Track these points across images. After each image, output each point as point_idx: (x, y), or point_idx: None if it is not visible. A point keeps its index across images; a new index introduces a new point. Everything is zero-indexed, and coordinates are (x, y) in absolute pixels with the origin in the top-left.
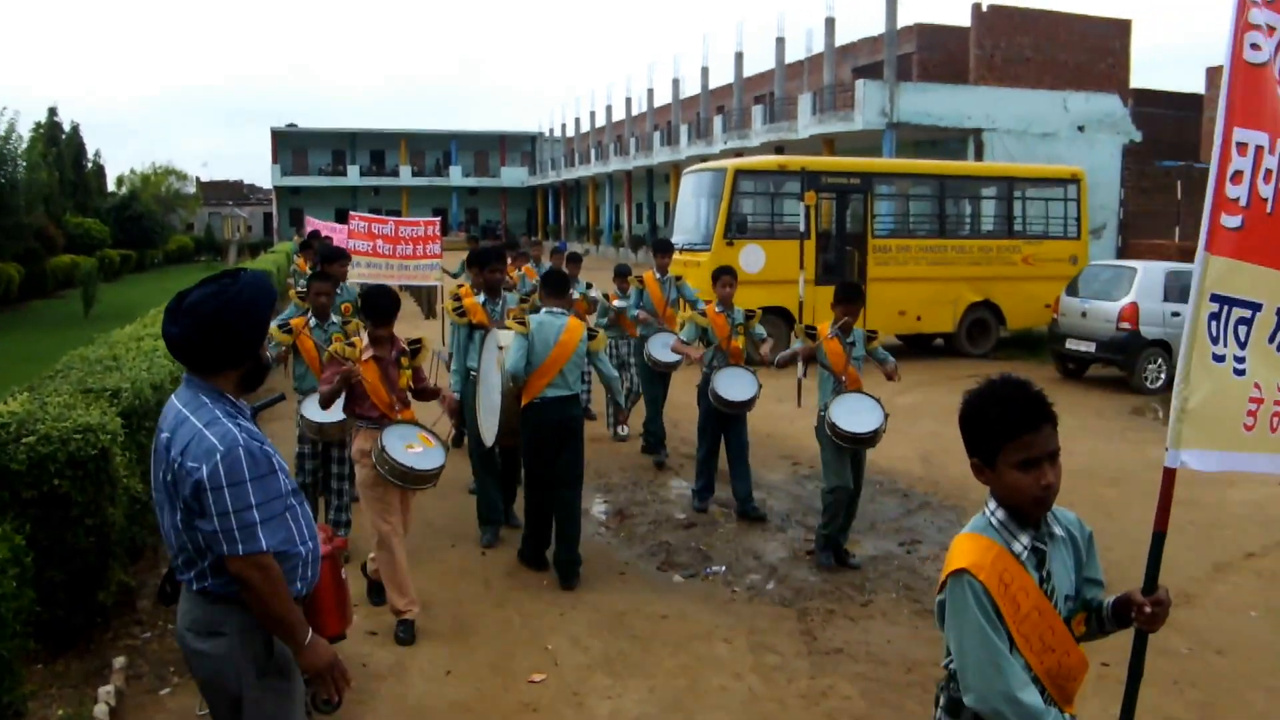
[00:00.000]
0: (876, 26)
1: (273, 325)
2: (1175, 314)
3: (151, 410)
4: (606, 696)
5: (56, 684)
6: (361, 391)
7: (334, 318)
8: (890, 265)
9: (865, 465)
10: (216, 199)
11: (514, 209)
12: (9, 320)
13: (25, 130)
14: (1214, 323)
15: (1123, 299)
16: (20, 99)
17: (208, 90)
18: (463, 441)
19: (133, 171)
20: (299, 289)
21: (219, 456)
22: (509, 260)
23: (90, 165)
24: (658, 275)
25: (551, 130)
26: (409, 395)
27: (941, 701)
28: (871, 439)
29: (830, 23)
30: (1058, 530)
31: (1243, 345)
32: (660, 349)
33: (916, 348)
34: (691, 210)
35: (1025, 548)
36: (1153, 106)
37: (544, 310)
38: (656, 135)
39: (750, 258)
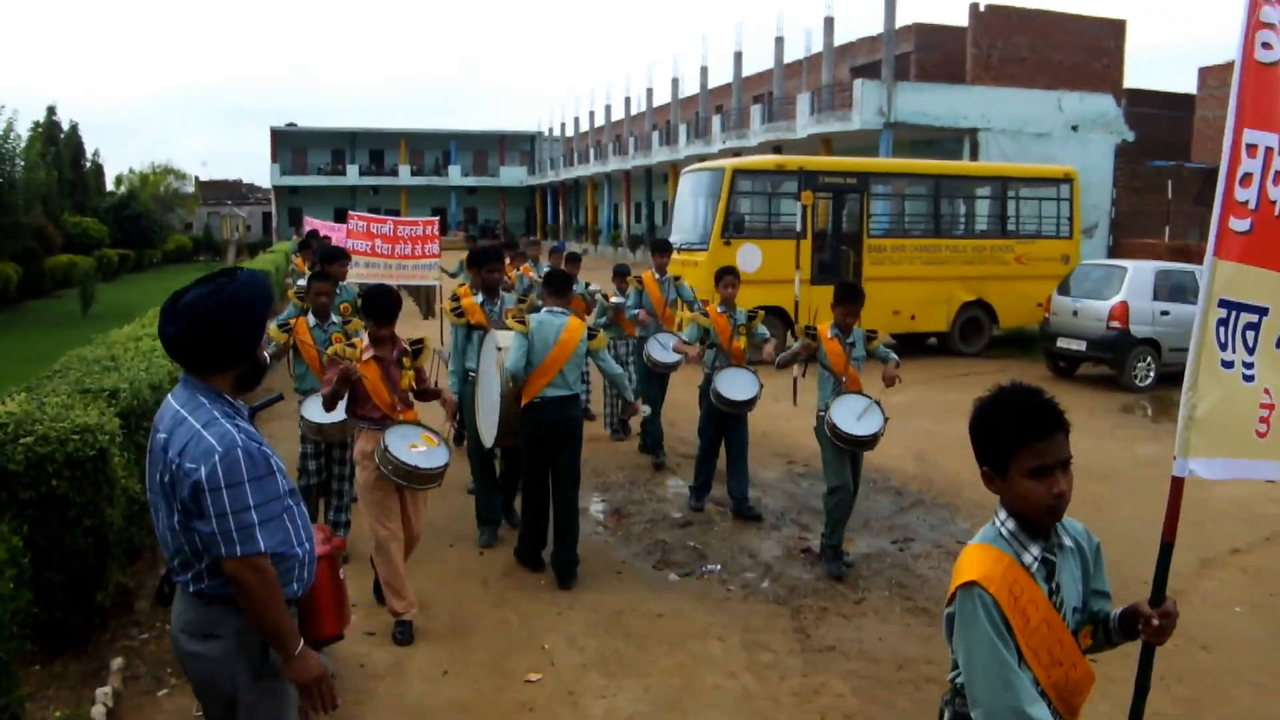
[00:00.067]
0: (875, 26)
1: (272, 325)
2: (1165, 313)
3: (150, 410)
4: (602, 696)
5: (54, 685)
6: (363, 392)
7: (334, 317)
8: (885, 265)
9: (862, 464)
10: (215, 198)
11: (513, 208)
12: (7, 320)
13: (24, 129)
14: (1222, 328)
15: (1113, 298)
16: (19, 98)
17: (207, 89)
18: (462, 441)
19: (131, 171)
20: (297, 289)
21: (218, 458)
22: (507, 260)
23: (89, 164)
24: (656, 275)
25: (550, 130)
26: (411, 396)
27: (946, 716)
28: (872, 442)
29: (829, 22)
30: (1067, 541)
31: (1251, 350)
32: (660, 350)
33: (910, 347)
34: (689, 210)
35: (1035, 559)
36: (1145, 106)
37: (544, 310)
38: (655, 135)
39: (747, 257)
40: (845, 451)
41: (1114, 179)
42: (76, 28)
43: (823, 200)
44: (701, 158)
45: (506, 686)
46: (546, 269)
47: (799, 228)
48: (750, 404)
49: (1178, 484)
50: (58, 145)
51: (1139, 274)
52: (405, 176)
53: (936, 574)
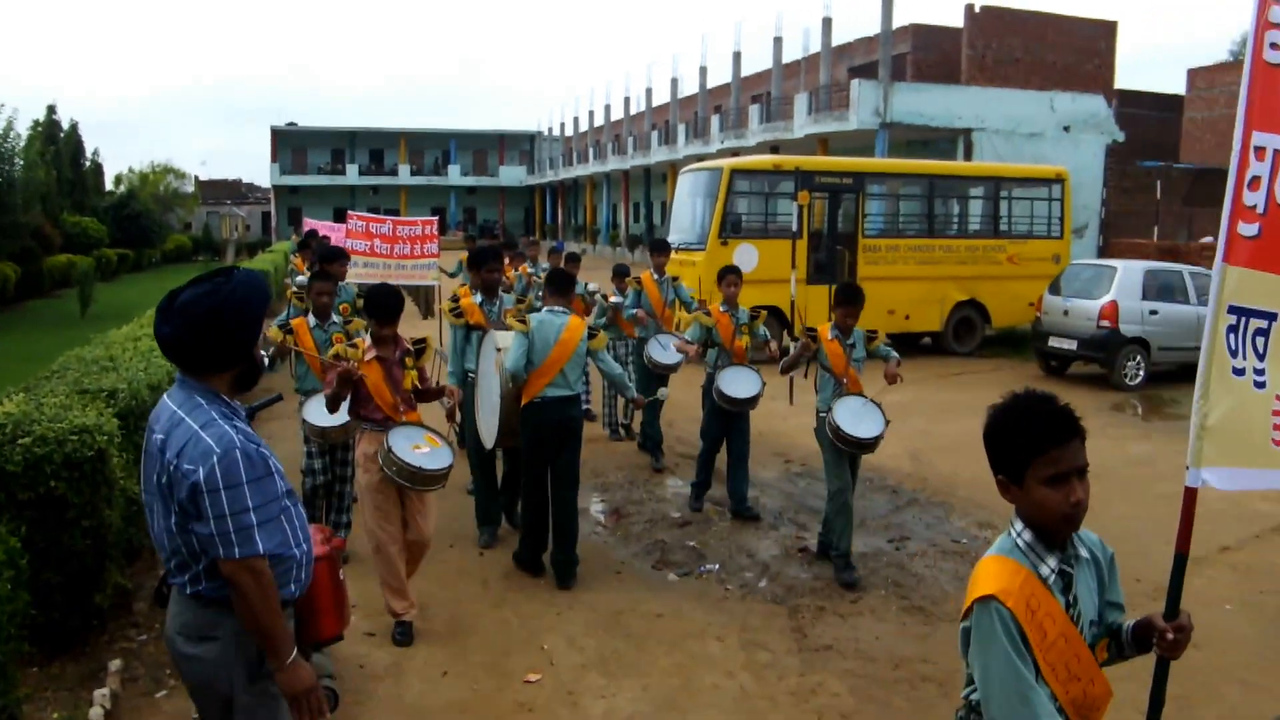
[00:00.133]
0: (873, 27)
1: (273, 327)
2: (1154, 312)
3: (149, 411)
4: (601, 696)
5: (52, 687)
6: (365, 393)
7: (334, 318)
8: (880, 265)
9: (859, 464)
10: (215, 198)
11: (512, 208)
12: (5, 320)
13: (23, 128)
14: (1232, 335)
15: (1103, 297)
16: (19, 96)
17: (207, 89)
18: (463, 442)
19: (131, 170)
20: (295, 289)
21: (216, 459)
22: (506, 260)
23: (88, 164)
24: (655, 275)
25: (550, 129)
26: (414, 397)
27: None
28: (874, 445)
29: (827, 23)
30: (1083, 552)
31: (1261, 357)
32: (660, 350)
33: (904, 346)
34: (687, 210)
35: (1053, 571)
36: (1135, 107)
37: (545, 309)
38: (654, 134)
39: (744, 257)
40: (845, 454)
41: (1104, 179)
42: (77, 26)
43: (819, 200)
44: (700, 158)
45: (506, 687)
46: (544, 268)
47: (795, 227)
48: (753, 402)
49: (1190, 494)
50: (57, 144)
51: (1128, 274)
52: (405, 176)
53: (932, 573)
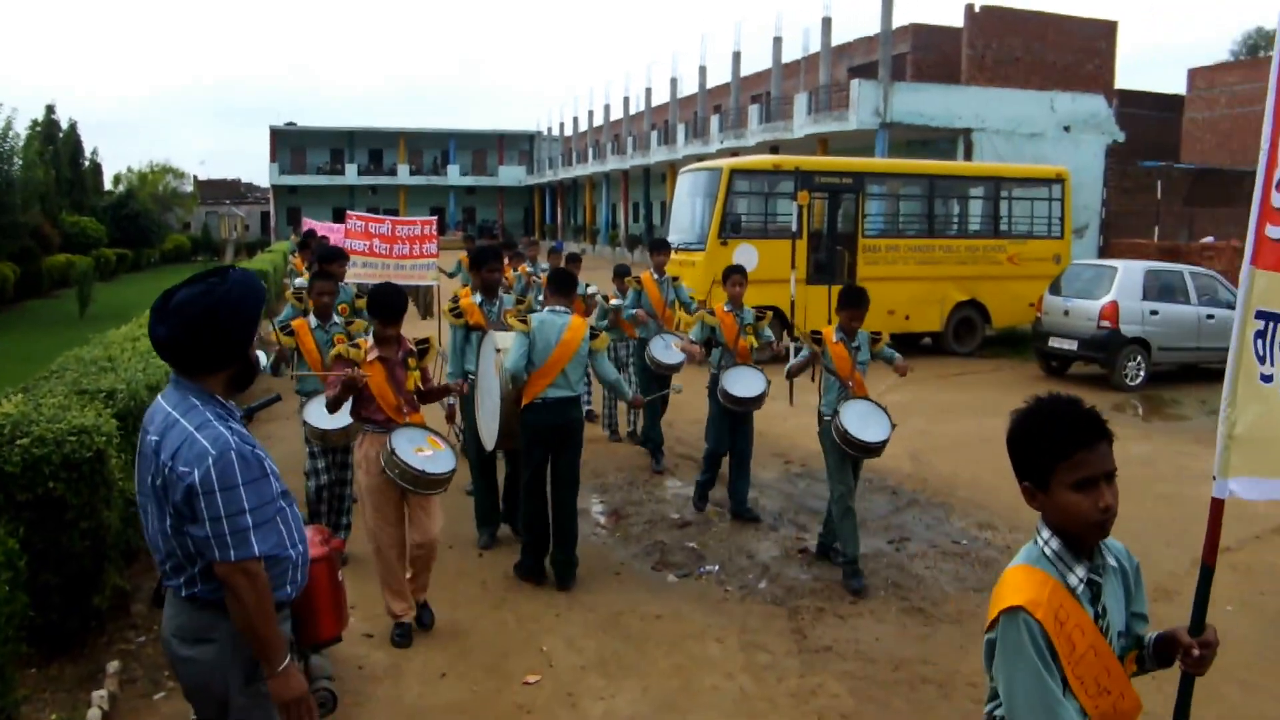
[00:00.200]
0: (872, 27)
1: (273, 329)
2: (1154, 312)
3: None
4: (600, 697)
5: (50, 688)
6: (367, 394)
7: (336, 318)
8: (880, 265)
9: (861, 467)
10: (214, 198)
11: (511, 208)
12: (4, 320)
13: (22, 127)
14: (1260, 340)
15: (1103, 298)
16: (18, 96)
17: (207, 89)
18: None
19: (130, 170)
20: (294, 290)
21: (211, 461)
22: (505, 260)
23: (87, 163)
24: (655, 275)
25: (549, 129)
26: (416, 398)
27: None
28: (880, 448)
29: (827, 23)
30: (1110, 561)
31: None
32: (662, 350)
33: (904, 346)
34: (687, 210)
35: (1081, 580)
36: (1135, 107)
37: (546, 309)
38: (654, 134)
39: (744, 257)
40: (849, 458)
41: (1105, 179)
42: (76, 26)
43: (818, 200)
44: (699, 157)
45: (505, 688)
46: (544, 269)
47: (795, 228)
48: (758, 401)
49: (1218, 506)
50: (56, 144)
51: (1129, 274)
52: (404, 176)
53: (932, 574)
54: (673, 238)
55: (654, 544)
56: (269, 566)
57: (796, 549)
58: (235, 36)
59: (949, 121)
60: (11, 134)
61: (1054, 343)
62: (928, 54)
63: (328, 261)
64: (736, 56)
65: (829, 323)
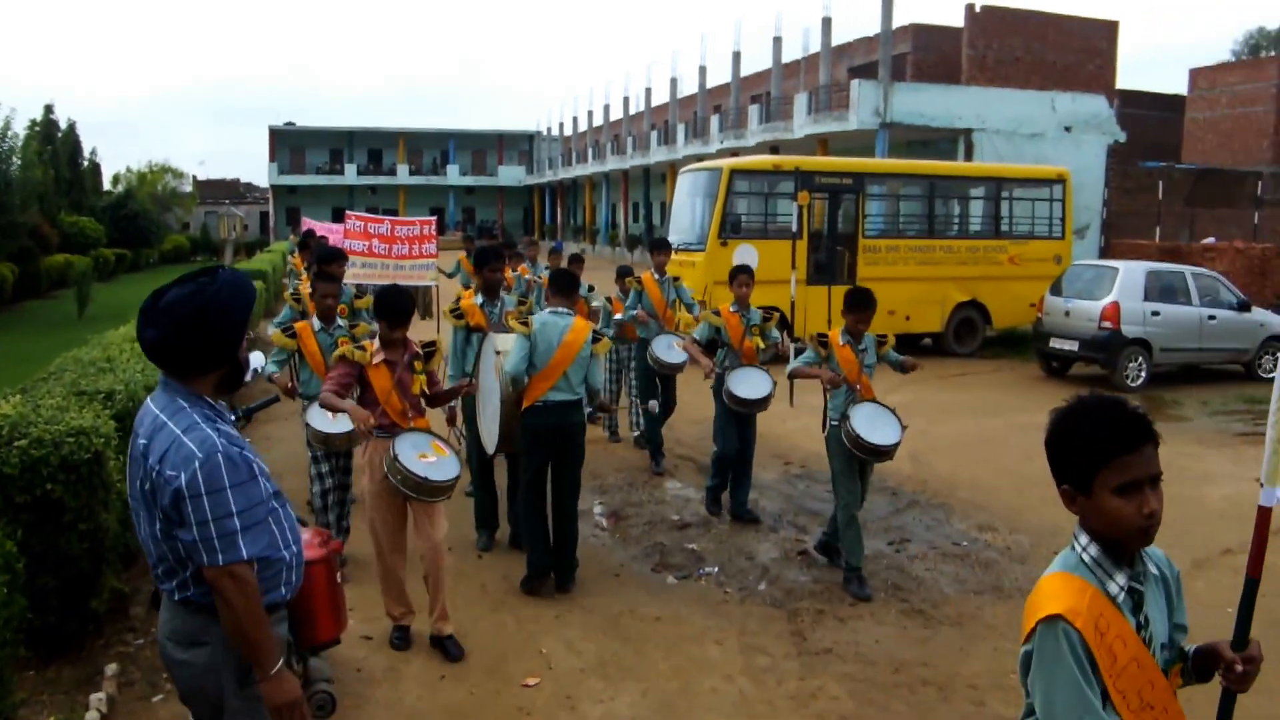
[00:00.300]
0: (873, 27)
1: (274, 330)
2: (1155, 313)
3: None
4: (599, 700)
5: (48, 691)
6: (372, 397)
7: (340, 321)
8: (880, 265)
9: (871, 474)
10: (213, 198)
11: (511, 208)
12: (2, 321)
13: (21, 127)
14: None
15: (1104, 298)
16: (17, 95)
17: (206, 88)
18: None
19: (129, 170)
20: (293, 291)
21: (198, 464)
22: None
23: (86, 163)
24: (656, 275)
25: (549, 129)
26: (422, 402)
27: None
28: (892, 452)
29: (827, 23)
30: (1151, 568)
31: None
32: (664, 350)
33: (905, 347)
34: (687, 210)
35: (1121, 589)
36: (1136, 107)
37: (548, 310)
38: (654, 134)
39: (743, 258)
40: (855, 463)
41: (1106, 180)
42: (75, 25)
43: (819, 201)
44: (699, 158)
45: (503, 691)
46: (544, 269)
47: (795, 228)
48: (764, 403)
49: (1264, 515)
50: (55, 144)
51: (1130, 274)
52: (403, 176)
53: (932, 575)
54: (673, 238)
55: (653, 546)
56: (262, 568)
57: (796, 551)
58: (235, 36)
59: (949, 122)
60: (10, 134)
61: (1055, 343)
62: (928, 54)
63: (326, 262)
64: (736, 56)
65: (829, 323)
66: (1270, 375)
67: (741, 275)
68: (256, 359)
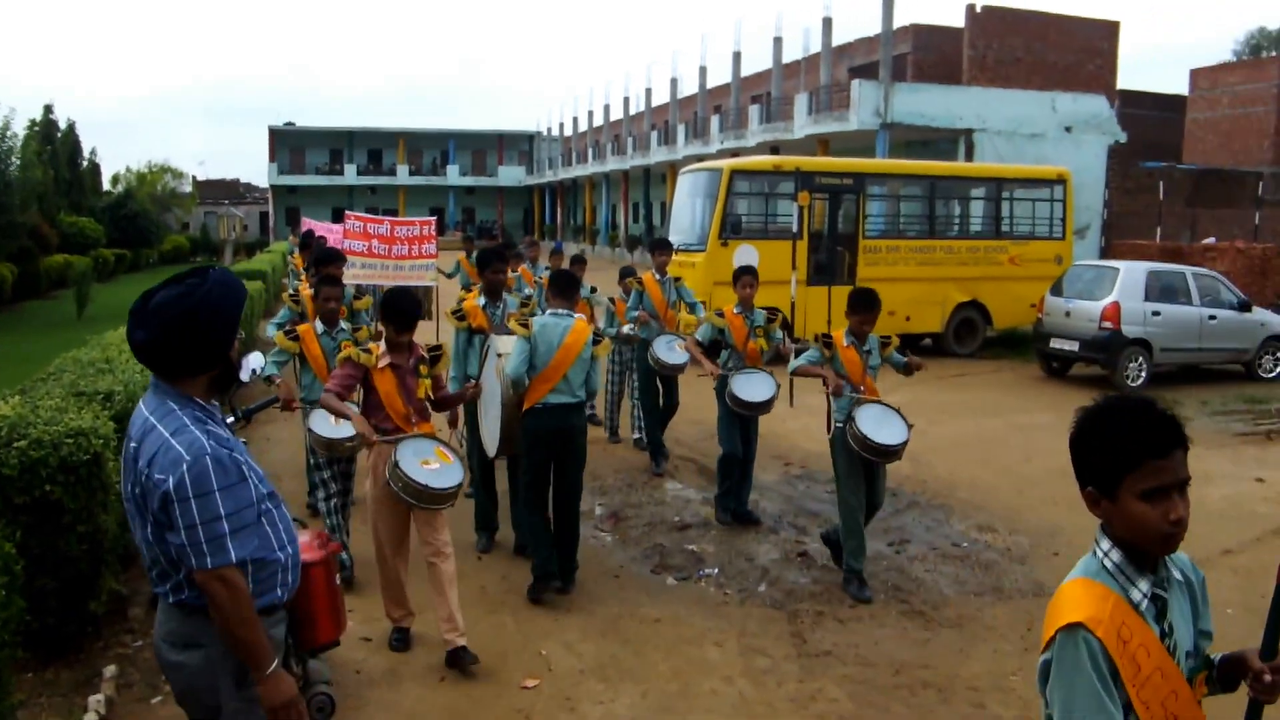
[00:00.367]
0: (873, 27)
1: (277, 332)
2: (1156, 313)
3: None
4: (599, 701)
5: (46, 693)
6: (376, 402)
7: (343, 324)
8: (880, 266)
9: (884, 479)
10: (213, 198)
11: (511, 208)
12: (1, 321)
13: (21, 127)
14: None
15: (1105, 299)
16: (16, 95)
17: (206, 88)
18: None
19: (128, 170)
20: (292, 292)
21: (185, 467)
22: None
23: (86, 163)
24: (657, 276)
25: (549, 129)
26: (428, 406)
27: None
28: (899, 451)
29: (827, 23)
30: (1175, 574)
31: None
32: (665, 350)
33: (905, 348)
34: (687, 210)
35: (1144, 595)
36: (1137, 108)
37: (548, 312)
38: (654, 135)
39: (744, 258)
40: (860, 465)
41: (1106, 180)
42: (75, 25)
43: (819, 201)
44: (700, 158)
45: (503, 693)
46: (545, 270)
47: (795, 228)
48: (767, 406)
49: None
50: (54, 144)
51: (1131, 275)
52: (403, 176)
53: (932, 577)
54: (673, 238)
55: (653, 547)
56: (257, 570)
57: (796, 552)
58: (234, 36)
59: (950, 122)
60: (9, 134)
61: (1055, 344)
62: (928, 54)
63: (325, 264)
64: (737, 57)
65: (828, 324)
66: (1270, 375)
67: (745, 276)
68: (256, 359)
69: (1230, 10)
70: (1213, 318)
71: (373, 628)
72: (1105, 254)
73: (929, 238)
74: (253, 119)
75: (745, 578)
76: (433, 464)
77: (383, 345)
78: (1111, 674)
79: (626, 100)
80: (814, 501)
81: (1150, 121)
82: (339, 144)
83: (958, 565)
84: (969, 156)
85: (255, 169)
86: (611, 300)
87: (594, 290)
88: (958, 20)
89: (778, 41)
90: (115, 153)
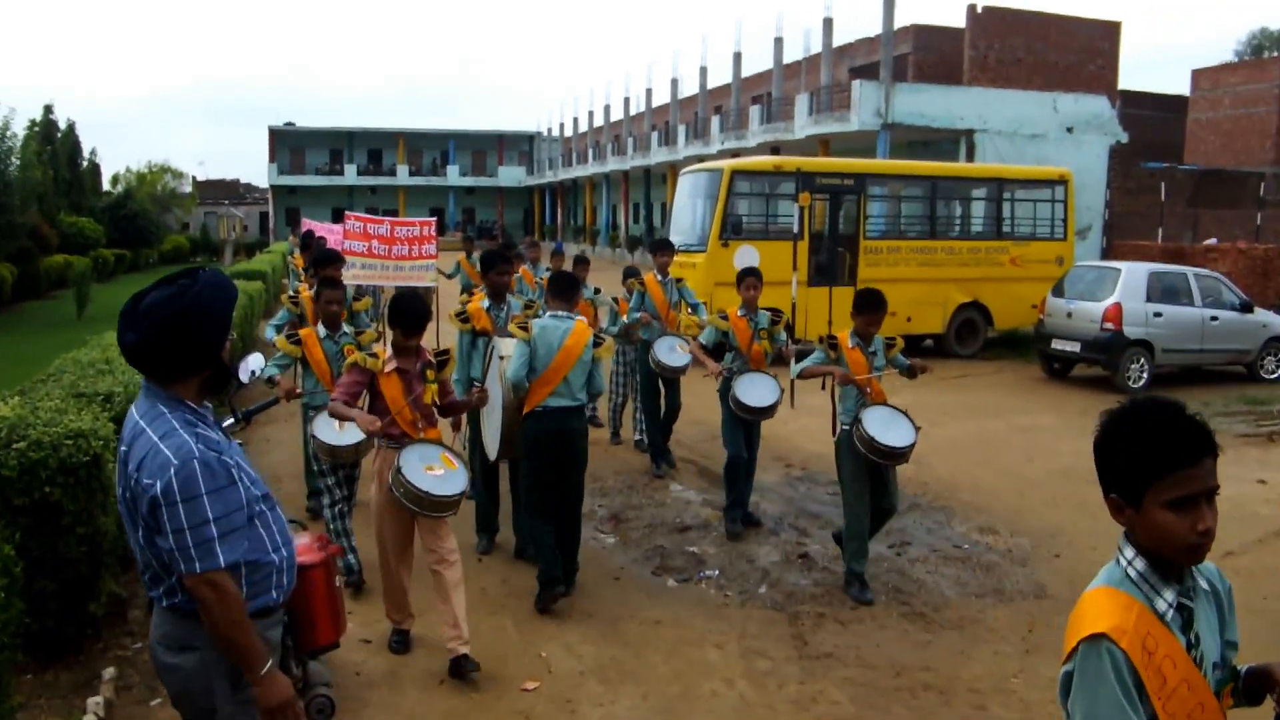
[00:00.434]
0: (874, 27)
1: (278, 335)
2: (1158, 314)
3: None
4: (599, 704)
5: (45, 695)
6: (382, 407)
7: (345, 328)
8: (881, 266)
9: (896, 482)
10: (213, 198)
11: (511, 209)
12: (1, 322)
13: (20, 127)
14: None
15: (1107, 300)
16: (16, 95)
17: (206, 89)
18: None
19: (128, 170)
20: (292, 293)
21: (173, 471)
22: None
23: (85, 163)
24: (658, 276)
25: (549, 130)
26: (434, 411)
27: None
28: (907, 453)
29: (828, 23)
30: (1202, 583)
31: None
32: (666, 352)
33: (906, 348)
34: (688, 211)
35: (1170, 605)
36: (1138, 108)
37: (548, 314)
38: (654, 135)
39: (744, 259)
40: (864, 468)
41: (1108, 180)
42: (75, 25)
43: (820, 202)
44: (700, 158)
45: (503, 695)
46: (546, 271)
47: (796, 229)
48: (771, 411)
49: None
50: (54, 144)
51: (1132, 275)
52: (403, 176)
53: (933, 579)
54: (673, 239)
55: (654, 549)
56: (250, 572)
57: (797, 554)
58: (234, 36)
59: (951, 122)
60: (9, 134)
61: (1057, 345)
62: (929, 55)
63: (324, 265)
64: (737, 57)
65: (829, 325)
66: (1272, 376)
67: (749, 278)
68: (256, 361)
69: (1232, 10)
70: (1215, 319)
71: (373, 630)
72: (1107, 255)
73: (930, 238)
74: (253, 119)
75: (746, 579)
76: (437, 470)
77: (389, 349)
78: (1136, 686)
79: (627, 100)
80: (815, 503)
81: (1152, 122)
82: (339, 144)
83: (959, 567)
84: (970, 157)
85: (255, 169)
86: (615, 300)
87: (598, 291)
88: (959, 21)
89: (778, 42)
90: (115, 153)
